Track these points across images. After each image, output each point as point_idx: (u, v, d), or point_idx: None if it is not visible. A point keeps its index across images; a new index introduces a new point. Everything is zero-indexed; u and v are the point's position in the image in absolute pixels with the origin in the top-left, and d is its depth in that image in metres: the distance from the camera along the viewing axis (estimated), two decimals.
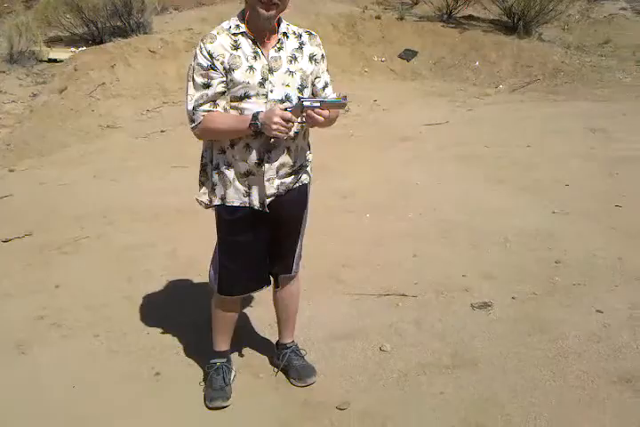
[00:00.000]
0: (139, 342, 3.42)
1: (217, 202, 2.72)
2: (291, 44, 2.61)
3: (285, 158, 2.64)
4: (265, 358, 3.23)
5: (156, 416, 2.86)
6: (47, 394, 3.02)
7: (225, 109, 2.56)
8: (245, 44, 2.53)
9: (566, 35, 11.13)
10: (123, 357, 3.31)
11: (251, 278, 2.87)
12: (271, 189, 2.64)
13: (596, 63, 10.16)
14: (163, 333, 3.49)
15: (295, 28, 2.68)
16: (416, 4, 12.04)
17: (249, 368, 3.16)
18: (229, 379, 3.00)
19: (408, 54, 10.51)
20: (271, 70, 2.53)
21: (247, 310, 3.61)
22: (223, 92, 2.54)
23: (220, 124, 2.54)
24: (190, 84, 2.56)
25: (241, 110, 2.54)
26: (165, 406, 2.92)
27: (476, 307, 3.57)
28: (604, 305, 3.53)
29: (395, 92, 9.36)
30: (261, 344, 3.34)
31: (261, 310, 3.53)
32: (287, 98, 2.56)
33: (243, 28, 2.54)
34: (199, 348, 3.24)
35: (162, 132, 7.76)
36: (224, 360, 3.03)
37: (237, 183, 2.64)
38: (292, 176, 2.71)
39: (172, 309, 3.72)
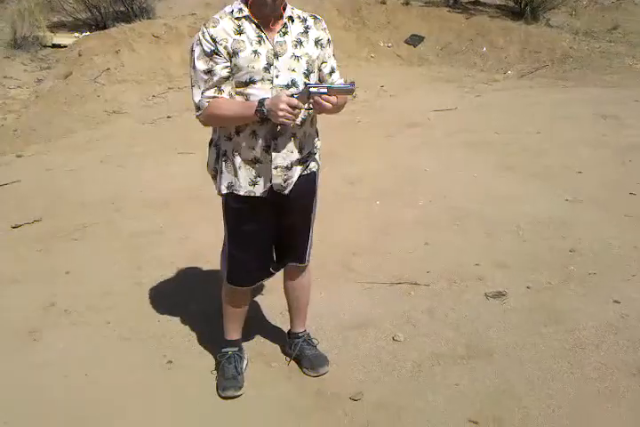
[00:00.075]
0: (150, 330, 3.38)
1: (224, 190, 2.67)
2: (296, 28, 2.54)
3: (292, 145, 2.58)
4: (277, 347, 3.20)
5: (169, 405, 2.83)
6: (60, 381, 2.99)
7: (230, 95, 2.50)
8: (249, 28, 2.46)
9: (574, 20, 10.97)
10: (134, 344, 3.28)
11: (260, 268, 2.83)
12: (279, 177, 2.58)
13: (605, 49, 10.03)
14: (174, 320, 3.46)
15: (300, 12, 2.60)
16: None
17: (261, 357, 3.12)
18: (241, 368, 2.96)
19: (414, 40, 10.38)
20: (276, 55, 2.47)
21: (258, 298, 3.56)
22: (228, 77, 2.47)
23: (226, 111, 2.48)
24: (193, 70, 2.49)
25: (246, 96, 2.48)
26: (178, 395, 2.89)
27: (490, 296, 3.52)
28: (621, 295, 3.48)
29: (402, 77, 9.26)
30: (273, 333, 3.30)
31: (273, 298, 3.48)
32: (293, 83, 2.49)
33: (246, 11, 2.47)
34: (210, 336, 3.20)
35: (168, 117, 7.69)
36: (236, 349, 3.00)
37: (244, 171, 2.58)
38: (300, 164, 2.65)
39: (183, 296, 3.68)
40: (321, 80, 2.63)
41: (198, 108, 2.52)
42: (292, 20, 2.53)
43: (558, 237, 4.19)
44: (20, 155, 6.49)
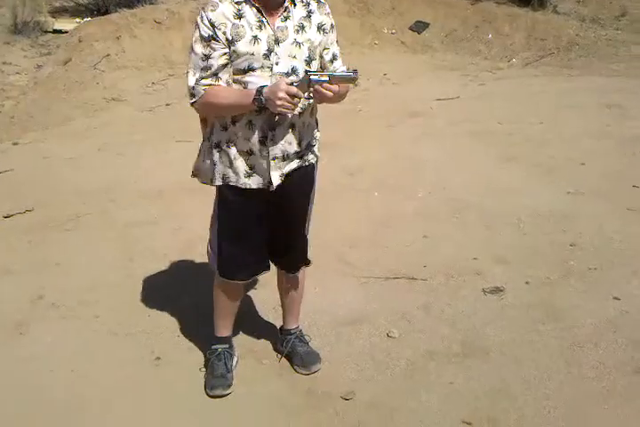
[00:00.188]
0: (139, 325, 3.32)
1: (218, 182, 2.58)
2: (298, 12, 2.43)
3: (291, 136, 2.49)
4: (268, 344, 3.13)
5: (158, 402, 2.78)
6: (45, 377, 2.94)
7: (228, 83, 2.41)
8: (249, 12, 2.36)
9: (581, 7, 10.77)
10: (123, 339, 3.22)
11: (253, 262, 2.75)
12: (276, 169, 2.49)
13: (612, 37, 9.84)
14: (164, 315, 3.40)
15: None
16: None
17: (252, 354, 3.06)
18: (231, 365, 2.90)
19: (419, 26, 10.22)
20: (277, 41, 2.36)
21: (251, 293, 3.50)
22: (226, 65, 2.38)
23: (223, 99, 2.38)
24: (192, 55, 2.40)
25: (244, 84, 2.38)
26: (166, 393, 2.83)
27: (488, 292, 3.45)
28: (622, 291, 3.40)
29: (405, 65, 9.11)
30: (265, 329, 3.24)
31: (265, 293, 3.42)
32: (294, 71, 2.39)
33: None
34: (201, 331, 3.13)
35: (167, 105, 7.58)
36: (226, 346, 2.93)
37: (239, 162, 2.50)
38: (298, 156, 2.57)
39: (175, 289, 3.62)
40: (322, 67, 2.53)
41: (193, 95, 2.43)
42: (295, 4, 2.43)
43: (559, 231, 4.10)
44: (16, 142, 6.40)
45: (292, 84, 2.27)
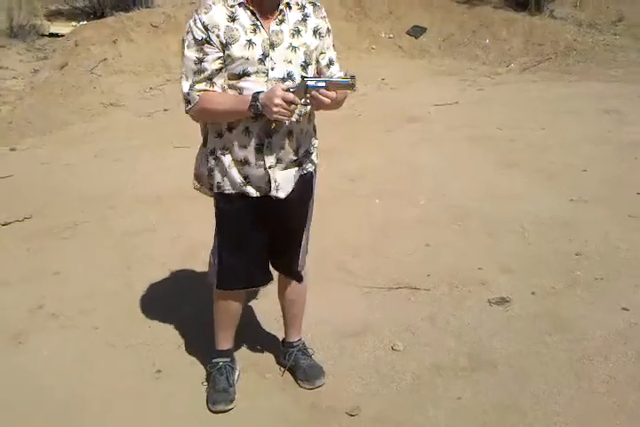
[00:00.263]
0: (139, 336, 3.25)
1: (215, 189, 2.52)
2: (293, 16, 2.37)
3: (288, 144, 2.42)
4: (271, 356, 3.06)
5: (158, 417, 2.70)
6: (43, 391, 2.86)
7: (223, 89, 2.34)
8: (244, 15, 2.30)
9: (578, 12, 10.76)
10: (122, 351, 3.15)
11: (252, 273, 2.68)
12: (271, 178, 2.43)
13: (610, 42, 9.84)
14: (164, 325, 3.33)
15: None
16: None
17: (254, 367, 2.99)
18: (233, 379, 2.83)
19: (416, 31, 10.19)
20: (272, 45, 2.30)
21: (252, 303, 3.43)
22: (220, 69, 2.32)
23: (218, 105, 2.32)
24: (185, 60, 2.33)
25: (239, 90, 2.32)
26: (167, 407, 2.76)
27: (494, 303, 3.39)
28: (630, 302, 3.34)
29: (403, 70, 9.09)
30: (267, 341, 3.16)
31: (267, 303, 3.34)
32: (289, 76, 2.33)
33: None
34: (202, 343, 3.06)
35: (165, 110, 7.53)
36: (227, 360, 2.86)
37: (234, 171, 2.43)
38: (296, 164, 2.50)
39: (175, 299, 3.55)
40: (319, 73, 2.47)
41: (188, 101, 2.36)
42: (290, 8, 2.36)
43: (563, 240, 4.05)
44: (13, 148, 6.35)
45: (288, 90, 2.21)
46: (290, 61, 2.34)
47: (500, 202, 4.64)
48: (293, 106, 2.21)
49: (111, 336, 3.26)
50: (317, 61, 2.46)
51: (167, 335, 3.25)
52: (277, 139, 2.39)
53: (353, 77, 2.25)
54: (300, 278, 2.82)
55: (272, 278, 2.77)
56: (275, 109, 2.17)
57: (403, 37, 10.17)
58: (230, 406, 2.72)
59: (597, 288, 3.50)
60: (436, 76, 8.88)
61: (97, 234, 4.41)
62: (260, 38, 2.30)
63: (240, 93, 2.32)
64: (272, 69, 2.31)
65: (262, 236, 2.62)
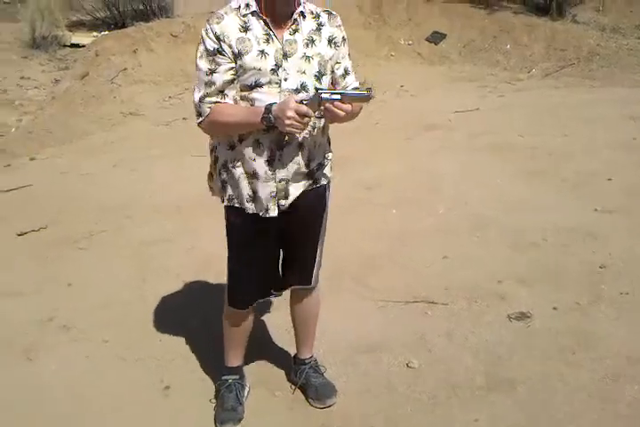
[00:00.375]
0: (149, 350, 3.19)
1: (226, 202, 2.45)
2: (308, 25, 2.29)
3: (300, 157, 2.34)
4: (282, 373, 2.97)
5: None
6: (50, 407, 2.81)
7: (235, 100, 2.27)
8: (256, 25, 2.22)
9: (601, 17, 10.59)
10: (132, 366, 3.08)
11: (263, 289, 2.61)
12: (282, 192, 2.35)
13: (634, 46, 9.65)
14: (175, 339, 3.27)
15: (313, 7, 2.34)
16: None
17: (264, 384, 2.90)
18: (243, 397, 2.75)
19: (436, 37, 10.09)
20: (285, 55, 2.22)
21: (264, 317, 3.36)
22: (232, 80, 2.25)
23: (229, 117, 2.24)
24: (197, 71, 2.28)
25: (251, 101, 2.24)
26: (174, 425, 2.68)
27: (514, 318, 3.27)
28: None
29: (422, 76, 8.98)
30: (278, 356, 3.08)
31: (279, 316, 3.26)
32: (303, 87, 2.25)
33: (254, 6, 2.23)
34: (212, 357, 2.99)
35: (184, 119, 7.50)
36: (236, 377, 2.78)
37: (244, 184, 2.36)
38: (308, 177, 2.42)
39: (188, 311, 3.49)
40: (333, 83, 2.38)
41: (199, 113, 2.30)
42: (304, 17, 2.28)
43: (587, 252, 3.91)
44: (33, 158, 6.36)
45: (301, 102, 2.13)
46: (304, 72, 2.26)
47: (520, 212, 4.52)
48: (307, 119, 2.13)
49: (121, 350, 3.20)
50: (332, 71, 2.38)
51: (178, 349, 3.19)
52: (289, 151, 2.31)
53: (369, 89, 2.16)
54: (312, 293, 2.73)
55: (282, 291, 2.69)
56: (287, 122, 2.10)
57: (422, 44, 10.07)
58: (238, 426, 2.63)
59: (622, 304, 3.36)
60: (456, 82, 8.77)
61: (113, 244, 4.37)
62: (272, 48, 2.23)
63: (252, 105, 2.25)
64: (285, 80, 2.24)
65: (274, 250, 2.56)
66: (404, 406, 2.71)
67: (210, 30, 2.23)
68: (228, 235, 2.55)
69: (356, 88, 2.41)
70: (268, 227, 2.43)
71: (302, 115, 2.10)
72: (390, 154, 5.85)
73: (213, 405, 2.76)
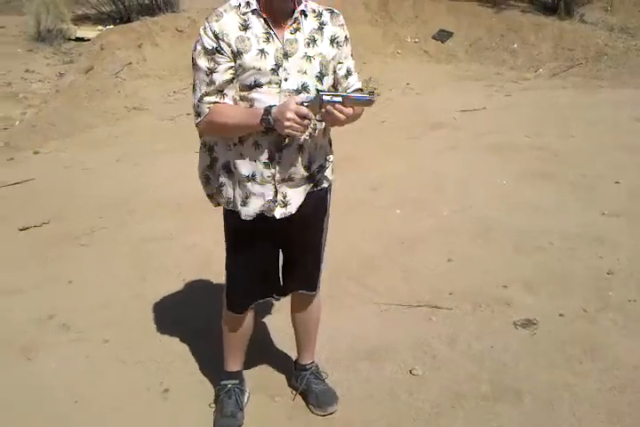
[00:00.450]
0: (149, 351, 3.15)
1: (224, 205, 2.39)
2: (309, 24, 2.22)
3: (299, 159, 2.27)
4: (282, 378, 2.93)
5: None
6: (48, 408, 2.78)
7: (234, 100, 2.21)
8: (257, 23, 2.16)
9: (609, 16, 10.49)
10: (131, 368, 3.04)
11: (259, 294, 2.55)
12: (280, 195, 2.29)
13: None
14: (175, 340, 3.23)
15: (315, 6, 2.27)
16: None
17: (264, 389, 2.85)
18: (242, 402, 2.70)
19: (443, 35, 10.00)
20: (286, 55, 2.16)
21: (265, 319, 3.31)
22: (231, 80, 2.18)
23: (228, 118, 2.18)
24: (195, 70, 2.21)
25: (251, 101, 2.18)
26: None
27: (519, 325, 3.21)
28: None
29: (428, 74, 8.90)
30: (279, 361, 3.02)
31: (281, 319, 3.19)
32: (304, 88, 2.19)
33: (254, 5, 2.16)
34: (212, 359, 2.93)
35: (188, 114, 7.43)
36: (236, 382, 2.73)
37: (242, 186, 2.29)
38: (308, 180, 2.36)
39: (188, 312, 3.45)
40: (335, 83, 2.32)
41: (198, 114, 2.24)
42: (306, 15, 2.22)
43: (594, 257, 3.85)
44: (37, 151, 6.32)
45: (302, 103, 2.06)
46: (305, 72, 2.20)
47: (526, 215, 4.46)
48: (307, 121, 2.06)
49: (121, 350, 3.16)
50: (334, 72, 2.31)
51: (178, 350, 3.15)
52: (288, 153, 2.25)
53: (372, 93, 2.10)
54: (313, 299, 2.68)
55: (282, 294, 2.64)
56: (287, 124, 2.03)
57: (429, 42, 9.98)
58: None
59: (630, 311, 3.29)
60: (463, 81, 8.69)
61: (114, 241, 4.34)
62: (272, 48, 2.16)
63: (251, 105, 2.19)
64: (285, 80, 2.17)
65: (273, 254, 2.50)
66: (408, 415, 2.65)
67: (208, 28, 2.16)
68: (225, 237, 2.49)
69: (358, 89, 2.35)
70: (266, 230, 2.37)
71: (302, 117, 2.04)
72: (395, 153, 5.80)
73: (212, 409, 2.71)
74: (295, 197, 2.33)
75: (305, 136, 2.22)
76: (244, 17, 2.17)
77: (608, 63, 9.11)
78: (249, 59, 2.14)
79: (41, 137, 6.72)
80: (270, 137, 2.20)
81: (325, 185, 2.45)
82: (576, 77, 8.69)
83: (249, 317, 2.63)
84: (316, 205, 2.45)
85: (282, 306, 3.10)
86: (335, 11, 2.32)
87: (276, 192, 2.28)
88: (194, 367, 3.02)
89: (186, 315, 3.42)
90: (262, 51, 2.15)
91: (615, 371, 2.85)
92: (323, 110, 2.10)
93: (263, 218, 2.32)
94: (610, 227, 4.23)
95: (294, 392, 2.80)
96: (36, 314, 3.47)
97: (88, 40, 9.51)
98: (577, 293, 3.48)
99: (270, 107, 2.10)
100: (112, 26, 9.91)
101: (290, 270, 2.57)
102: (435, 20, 10.17)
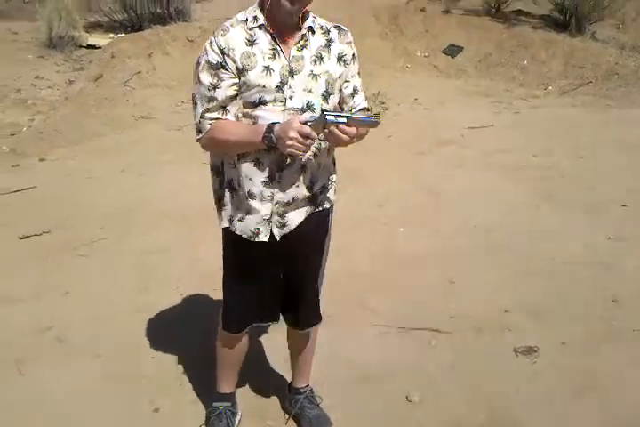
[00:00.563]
0: (141, 368, 3.09)
1: (225, 224, 2.35)
2: (316, 40, 2.18)
3: (301, 179, 2.23)
4: (276, 400, 2.88)
5: None
6: (38, 424, 2.73)
7: (236, 117, 2.17)
8: (263, 39, 2.12)
9: (620, 34, 10.45)
10: (122, 385, 2.98)
11: (259, 314, 2.50)
12: (278, 216, 2.24)
13: None
14: (169, 356, 3.18)
15: (323, 22, 2.24)
16: None
17: (257, 412, 2.80)
18: (234, 424, 2.66)
19: (452, 50, 9.97)
20: (292, 72, 2.12)
21: (261, 339, 3.25)
22: (235, 96, 2.14)
23: (230, 135, 2.14)
24: (197, 85, 2.18)
25: (254, 118, 2.14)
26: None
27: (520, 352, 3.15)
28: None
29: (437, 89, 8.85)
30: (273, 382, 2.97)
31: (277, 339, 3.10)
32: (309, 106, 2.15)
33: (261, 20, 2.13)
34: (205, 378, 2.87)
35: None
36: (228, 404, 2.68)
37: (242, 203, 2.25)
38: (309, 201, 2.31)
39: (184, 328, 3.40)
40: (341, 102, 2.28)
41: (199, 130, 2.20)
42: (313, 32, 2.18)
43: (598, 283, 3.78)
44: (43, 158, 6.28)
45: (306, 123, 2.02)
46: (310, 90, 2.16)
47: (531, 237, 4.40)
48: (309, 140, 2.02)
49: (113, 366, 3.12)
50: (340, 90, 2.27)
51: (170, 367, 3.10)
52: (290, 173, 2.20)
53: (377, 115, 2.05)
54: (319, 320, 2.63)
55: (278, 319, 2.58)
56: (289, 143, 1.99)
57: (438, 56, 9.95)
58: None
59: (634, 342, 3.23)
60: (471, 96, 8.64)
61: (115, 252, 4.30)
62: (278, 64, 2.12)
63: (254, 123, 2.15)
64: (290, 98, 2.14)
65: (272, 275, 2.44)
66: None
67: (214, 43, 2.13)
68: (224, 256, 2.45)
69: (364, 108, 2.32)
70: (264, 251, 2.32)
71: (305, 136, 1.99)
72: (401, 170, 5.75)
73: None
74: (295, 217, 2.29)
75: (307, 156, 2.17)
76: (251, 32, 2.14)
77: (618, 82, 9.05)
78: (254, 76, 2.11)
79: (48, 144, 6.69)
80: (272, 155, 2.16)
81: (327, 206, 2.40)
82: (586, 96, 8.63)
83: (244, 337, 2.58)
84: (317, 227, 2.40)
85: (279, 326, 3.05)
86: (343, 28, 2.29)
87: (274, 213, 2.24)
88: (186, 387, 2.97)
89: (181, 331, 3.37)
90: (268, 67, 2.12)
91: (617, 405, 2.78)
92: (326, 130, 2.05)
93: (262, 243, 2.27)
94: (615, 252, 4.17)
95: (287, 416, 2.75)
96: (32, 325, 3.44)
97: (99, 48, 9.51)
98: (580, 321, 3.42)
99: (273, 124, 2.07)
100: (123, 34, 9.93)
101: (289, 302, 2.51)
102: (445, 34, 10.14)
